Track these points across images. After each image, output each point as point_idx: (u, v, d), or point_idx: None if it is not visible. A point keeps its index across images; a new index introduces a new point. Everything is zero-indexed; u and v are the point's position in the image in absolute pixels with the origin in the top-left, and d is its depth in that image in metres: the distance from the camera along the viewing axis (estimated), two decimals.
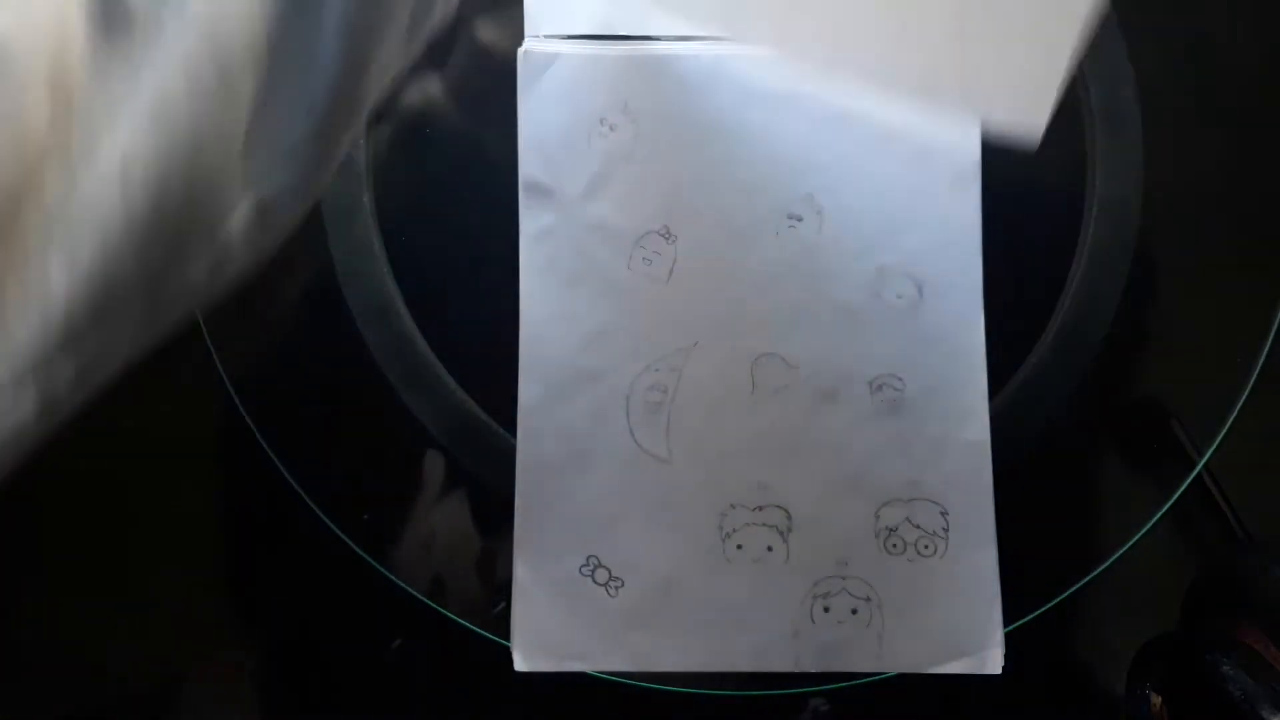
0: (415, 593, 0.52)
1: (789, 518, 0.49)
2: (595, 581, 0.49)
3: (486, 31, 0.54)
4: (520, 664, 0.49)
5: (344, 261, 0.54)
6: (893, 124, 0.50)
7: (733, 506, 0.49)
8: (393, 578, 0.52)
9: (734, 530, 0.49)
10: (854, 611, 0.48)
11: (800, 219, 0.50)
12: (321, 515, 0.52)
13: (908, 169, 0.50)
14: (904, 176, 0.50)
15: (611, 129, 0.51)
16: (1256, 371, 0.52)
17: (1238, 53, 0.55)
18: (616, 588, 0.49)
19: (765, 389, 0.50)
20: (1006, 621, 0.48)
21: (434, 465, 0.53)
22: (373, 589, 0.52)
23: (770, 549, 0.49)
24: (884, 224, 0.50)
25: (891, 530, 0.49)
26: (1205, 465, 0.51)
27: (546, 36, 0.51)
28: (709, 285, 0.50)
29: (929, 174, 0.50)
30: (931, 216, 0.50)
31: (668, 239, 0.50)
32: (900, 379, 0.50)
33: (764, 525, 0.49)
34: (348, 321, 0.53)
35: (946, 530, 0.49)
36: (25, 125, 0.23)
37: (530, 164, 0.51)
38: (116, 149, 0.25)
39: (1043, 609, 0.50)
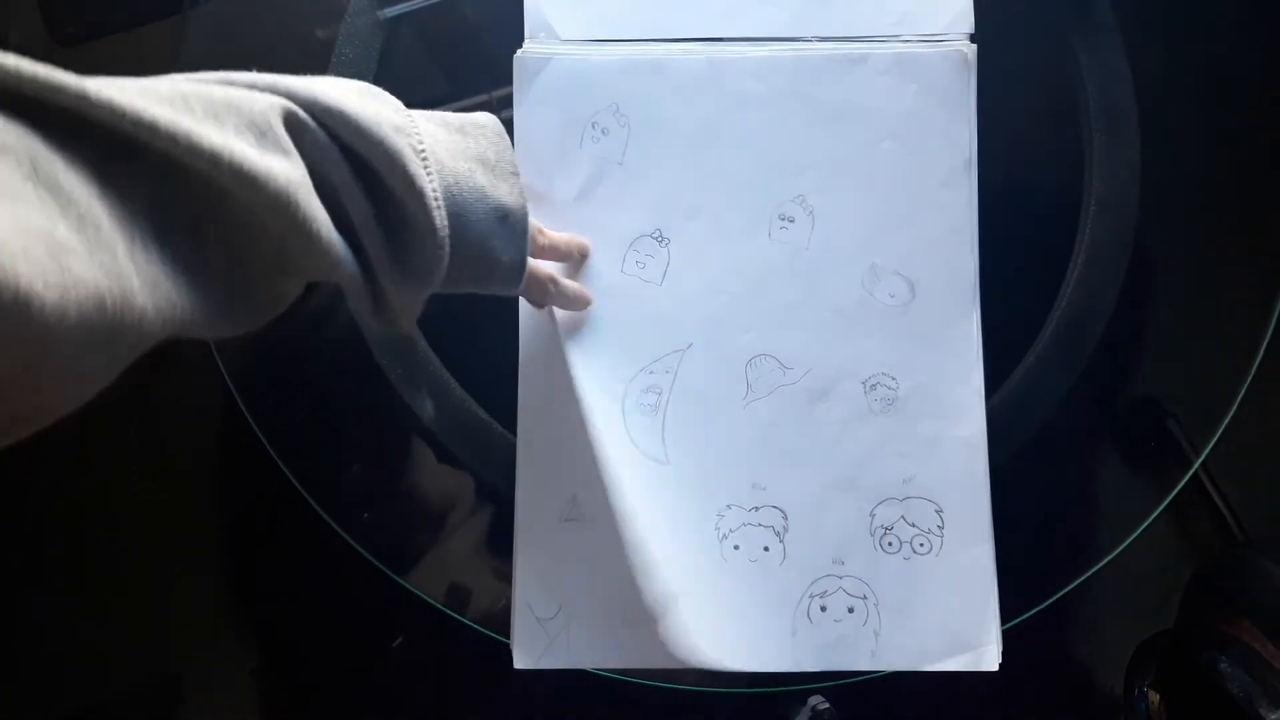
0: (416, 591, 0.52)
1: (785, 518, 0.49)
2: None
3: (486, 34, 0.55)
4: (520, 661, 0.49)
5: None
6: (884, 124, 0.51)
7: (729, 507, 0.49)
8: (393, 576, 0.52)
9: (731, 531, 0.49)
10: (850, 610, 0.49)
11: (792, 220, 0.50)
12: (323, 514, 0.52)
13: (899, 169, 0.50)
14: (895, 176, 0.50)
15: (604, 133, 0.51)
16: (1253, 370, 0.51)
17: (1235, 53, 0.55)
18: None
19: (759, 390, 0.50)
20: (1003, 619, 0.48)
21: (435, 465, 0.53)
22: (373, 587, 0.52)
23: (767, 549, 0.49)
24: (876, 224, 0.50)
25: (887, 529, 0.49)
26: (1202, 463, 0.51)
27: (545, 39, 0.52)
28: (702, 287, 0.50)
29: (920, 174, 0.50)
30: (923, 216, 0.50)
31: (660, 242, 0.50)
32: (894, 378, 0.50)
33: (760, 525, 0.49)
34: (349, 322, 0.54)
35: (942, 528, 0.49)
36: None
37: (525, 168, 0.51)
38: None
39: (1040, 607, 0.50)
